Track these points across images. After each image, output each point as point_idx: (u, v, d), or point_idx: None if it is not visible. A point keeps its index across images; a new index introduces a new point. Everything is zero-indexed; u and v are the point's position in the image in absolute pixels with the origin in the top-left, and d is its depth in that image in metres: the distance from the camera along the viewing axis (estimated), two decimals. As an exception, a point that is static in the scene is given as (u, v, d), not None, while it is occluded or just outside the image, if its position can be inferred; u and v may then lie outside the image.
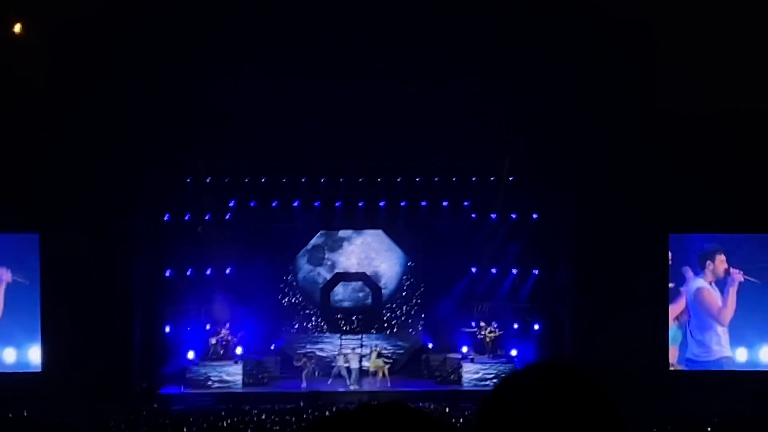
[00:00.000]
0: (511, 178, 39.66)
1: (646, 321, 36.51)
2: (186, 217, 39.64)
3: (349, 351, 40.36)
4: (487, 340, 39.30)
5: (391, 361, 40.76)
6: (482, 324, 39.59)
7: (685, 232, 37.54)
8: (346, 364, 39.67)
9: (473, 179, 40.00)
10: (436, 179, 39.97)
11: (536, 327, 38.94)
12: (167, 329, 38.60)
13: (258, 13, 34.98)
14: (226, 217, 40.32)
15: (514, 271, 40.27)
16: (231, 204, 40.25)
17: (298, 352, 40.74)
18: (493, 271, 40.63)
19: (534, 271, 40.08)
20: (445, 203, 40.55)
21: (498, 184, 39.88)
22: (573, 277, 37.54)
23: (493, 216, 40.35)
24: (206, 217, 39.95)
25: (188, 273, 39.66)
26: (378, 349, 40.36)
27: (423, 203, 40.66)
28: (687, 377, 36.92)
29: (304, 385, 38.28)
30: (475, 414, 2.63)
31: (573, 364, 2.79)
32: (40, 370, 36.87)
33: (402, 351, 42.02)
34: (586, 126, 36.04)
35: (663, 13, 35.33)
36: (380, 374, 38.68)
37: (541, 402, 2.65)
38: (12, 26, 35.50)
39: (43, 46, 35.95)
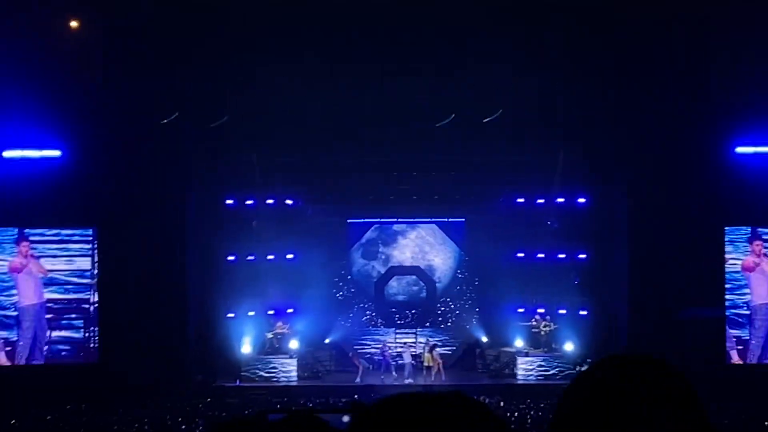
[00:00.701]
0: (564, 170, 39.33)
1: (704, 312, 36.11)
2: (241, 211, 39.79)
3: (402, 345, 40.42)
4: (542, 333, 39.16)
5: (446, 356, 40.67)
6: (537, 318, 39.46)
7: (740, 225, 37.15)
8: (400, 359, 39.74)
9: (528, 171, 39.72)
10: (491, 172, 39.75)
11: (591, 320, 38.54)
12: (225, 320, 38.68)
13: (313, 5, 34.97)
14: (282, 207, 40.33)
15: (568, 263, 39.93)
16: (286, 196, 40.32)
17: (353, 352, 40.77)
18: (548, 260, 40.24)
19: (583, 256, 39.79)
20: (500, 197, 40.39)
21: (552, 176, 39.62)
22: (627, 265, 37.23)
23: (546, 204, 40.01)
24: (263, 203, 39.90)
25: (243, 266, 39.80)
26: (432, 343, 40.36)
27: (478, 197, 40.51)
28: (745, 370, 36.53)
29: (358, 380, 38.37)
30: (556, 406, 2.57)
31: (653, 355, 2.78)
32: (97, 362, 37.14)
33: (456, 345, 41.96)
34: (643, 116, 35.75)
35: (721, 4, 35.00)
36: (435, 368, 38.63)
37: (624, 394, 2.63)
38: (69, 21, 35.73)
39: (98, 40, 36.13)
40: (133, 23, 35.29)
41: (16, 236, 37.12)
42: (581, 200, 39.64)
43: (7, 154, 36.14)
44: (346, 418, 3.38)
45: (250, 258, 39.88)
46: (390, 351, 40.40)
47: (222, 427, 2.71)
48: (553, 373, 38.11)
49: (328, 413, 3.36)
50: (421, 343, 41.00)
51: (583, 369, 2.82)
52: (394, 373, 39.01)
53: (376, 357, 41.06)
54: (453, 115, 36.21)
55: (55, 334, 37.39)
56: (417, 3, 34.44)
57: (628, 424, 2.60)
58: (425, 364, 39.26)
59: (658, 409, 2.60)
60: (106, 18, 35.73)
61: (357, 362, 39.53)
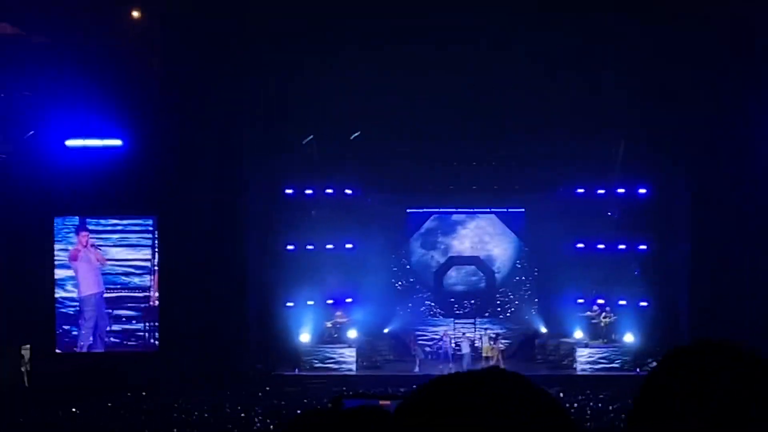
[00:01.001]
0: (625, 160, 39.04)
1: (762, 300, 35.73)
2: (299, 200, 39.91)
3: (461, 335, 40.41)
4: (602, 324, 38.92)
5: (504, 346, 40.57)
6: (596, 308, 39.23)
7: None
8: (459, 349, 39.75)
9: (589, 161, 39.46)
10: (551, 162, 39.52)
11: (652, 310, 38.24)
12: (284, 309, 38.81)
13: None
14: (342, 196, 40.37)
15: (626, 248, 39.60)
16: (345, 186, 40.35)
17: (412, 340, 40.77)
18: (608, 251, 39.95)
19: (643, 247, 39.52)
20: (560, 187, 40.19)
21: (613, 166, 39.35)
22: (689, 256, 36.92)
23: (606, 195, 39.74)
24: (323, 193, 39.95)
25: (301, 255, 39.92)
26: (490, 333, 40.34)
27: (538, 187, 40.35)
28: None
29: (417, 369, 38.38)
30: (639, 392, 2.47)
31: (734, 343, 2.72)
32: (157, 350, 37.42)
33: (515, 335, 41.84)
34: (705, 103, 35.44)
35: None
36: (495, 359, 38.53)
37: (707, 381, 2.56)
38: (131, 11, 35.96)
39: (159, 29, 36.33)
40: (193, 13, 35.46)
41: (77, 225, 37.47)
42: (642, 190, 39.33)
43: (69, 143, 36.45)
44: None
45: (309, 247, 39.97)
46: (449, 341, 40.39)
47: (300, 418, 2.72)
48: (613, 365, 37.91)
49: (391, 399, 3.39)
50: (480, 333, 40.94)
51: (669, 354, 2.69)
52: (451, 363, 38.98)
53: (434, 347, 41.05)
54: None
55: (116, 323, 37.71)
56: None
57: (728, 415, 2.55)
58: (484, 354, 39.22)
59: (757, 399, 2.53)
60: (167, 7, 35.93)
61: (415, 351, 39.50)
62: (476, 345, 40.12)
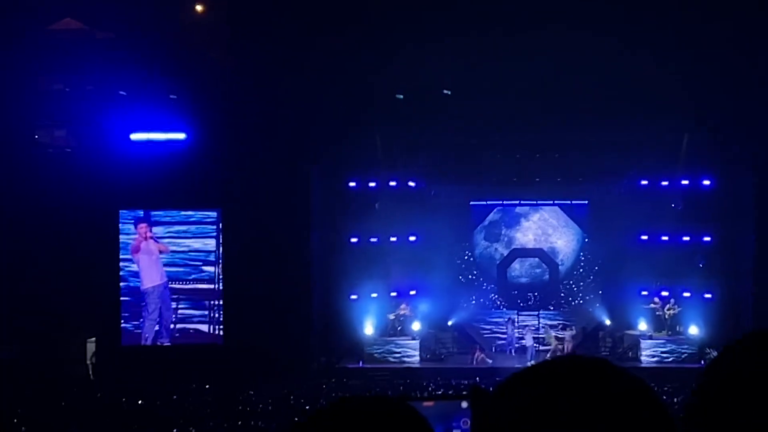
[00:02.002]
0: (690, 150, 38.76)
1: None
2: (364, 192, 39.95)
3: (525, 328, 40.35)
4: (666, 316, 38.67)
5: (566, 337, 40.39)
6: (659, 300, 38.96)
7: None
8: (523, 341, 39.72)
9: (653, 153, 39.23)
10: (615, 154, 39.34)
11: (717, 303, 37.92)
12: (348, 301, 38.88)
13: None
14: (405, 188, 40.36)
15: (693, 245, 39.34)
16: (408, 178, 40.34)
17: (477, 336, 40.70)
18: (672, 243, 39.68)
19: (708, 239, 39.21)
20: (624, 179, 39.99)
21: (677, 158, 39.08)
22: (754, 248, 36.59)
23: (670, 186, 39.48)
24: (386, 185, 39.95)
25: (366, 248, 39.98)
26: (557, 325, 40.26)
27: (602, 178, 40.17)
28: None
29: (490, 361, 38.35)
30: (697, 383, 2.43)
31: None
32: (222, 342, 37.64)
33: (579, 327, 41.63)
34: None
35: None
36: (564, 351, 38.42)
37: (761, 373, 2.50)
38: (194, 5, 36.17)
39: (223, 22, 36.54)
40: (258, 5, 35.64)
41: (140, 217, 37.76)
42: (706, 182, 39.04)
43: (134, 136, 36.75)
44: (464, 404, 3.32)
45: (372, 240, 39.99)
46: (512, 329, 40.41)
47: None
48: (678, 357, 37.65)
49: (446, 400, 3.33)
50: (545, 325, 40.85)
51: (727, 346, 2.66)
52: (513, 354, 39.01)
53: (499, 341, 40.99)
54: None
55: (181, 314, 37.99)
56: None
57: None
58: (552, 346, 39.14)
59: None
60: (231, 0, 36.13)
61: (479, 358, 39.27)
62: (541, 337, 39.96)
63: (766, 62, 34.56)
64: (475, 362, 38.54)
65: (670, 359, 37.67)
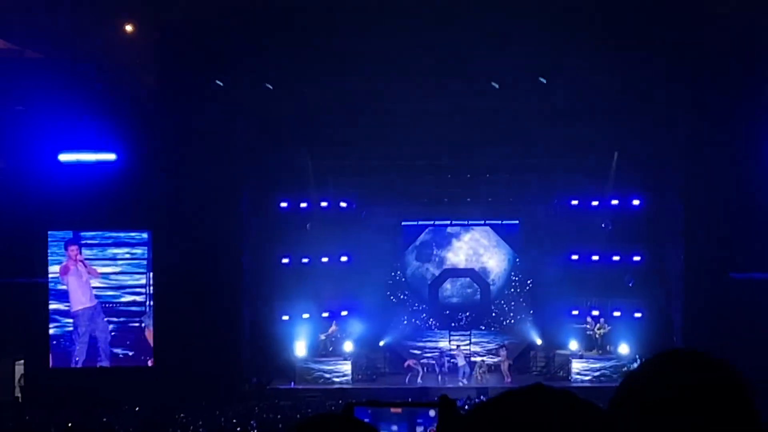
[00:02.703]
0: (619, 171, 39.20)
1: (759, 313, 35.74)
2: (295, 213, 39.97)
3: (456, 348, 40.47)
4: (597, 335, 38.99)
5: (500, 357, 40.56)
6: (590, 319, 39.30)
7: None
8: (455, 361, 39.83)
9: (582, 173, 39.64)
10: (545, 174, 39.74)
11: (646, 322, 38.22)
12: (280, 322, 38.77)
13: (372, 11, 35.07)
14: (334, 213, 40.45)
15: (622, 265, 39.70)
16: (340, 199, 40.41)
17: (408, 355, 40.69)
18: (602, 262, 40.04)
19: (638, 258, 39.58)
20: (554, 199, 40.32)
21: (607, 178, 39.49)
22: (683, 267, 36.97)
23: (600, 206, 39.86)
24: (318, 205, 39.97)
25: (297, 269, 39.97)
26: (491, 346, 40.41)
27: (532, 199, 40.49)
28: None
29: (420, 380, 38.37)
30: (611, 402, 2.58)
31: (709, 354, 2.78)
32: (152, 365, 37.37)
33: (511, 347, 41.81)
34: (698, 116, 35.56)
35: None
36: (490, 371, 38.63)
37: (680, 390, 2.62)
38: (123, 26, 35.99)
39: (152, 42, 36.41)
40: (187, 28, 35.58)
41: (69, 239, 37.44)
42: (636, 202, 39.44)
43: (63, 157, 36.46)
44: (432, 413, 3.36)
45: (304, 260, 40.00)
46: (444, 353, 40.49)
47: (309, 422, 2.71)
48: (608, 376, 37.92)
49: (417, 406, 3.37)
50: (479, 345, 40.98)
51: (639, 364, 2.83)
52: (440, 376, 39.13)
53: (431, 360, 41.06)
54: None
55: (112, 337, 37.67)
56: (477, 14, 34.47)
57: (679, 418, 2.60)
58: (482, 368, 39.26)
59: (707, 405, 2.59)
60: (161, 22, 36.01)
61: (413, 365, 39.38)
62: (472, 359, 40.06)
63: (691, 81, 35.03)
64: (408, 377, 38.65)
65: (601, 378, 37.92)
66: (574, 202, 40.11)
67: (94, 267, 37.60)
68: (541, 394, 2.50)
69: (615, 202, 39.59)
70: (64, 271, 37.41)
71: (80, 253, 37.45)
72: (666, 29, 34.32)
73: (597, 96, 35.75)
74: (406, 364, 39.40)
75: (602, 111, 36.19)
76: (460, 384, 38.07)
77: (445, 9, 34.23)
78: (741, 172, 35.39)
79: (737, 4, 34.56)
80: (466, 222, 42.74)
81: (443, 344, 41.37)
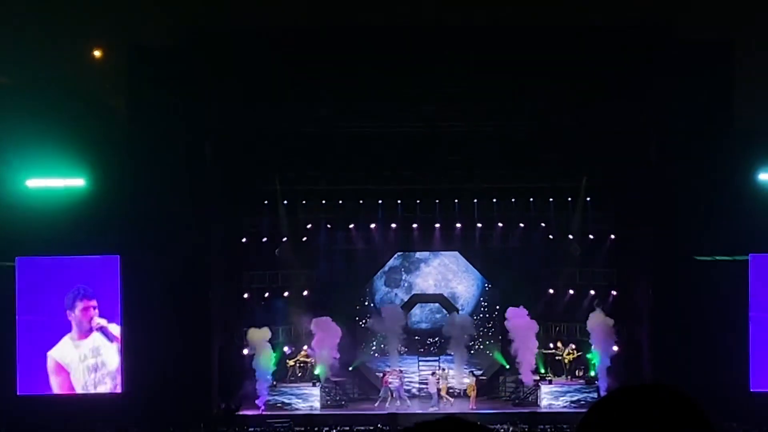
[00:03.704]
0: (588, 198, 39.46)
1: (726, 342, 35.88)
2: (264, 239, 40.03)
3: (432, 374, 40.40)
4: (566, 361, 39.07)
5: (470, 384, 40.57)
6: (560, 345, 39.37)
7: (767, 251, 36.95)
8: (425, 387, 39.81)
9: (550, 200, 39.83)
10: (512, 201, 39.90)
11: (615, 348, 38.31)
12: (245, 351, 38.72)
13: (333, 38, 35.24)
14: (303, 239, 40.54)
15: (592, 291, 39.89)
16: (308, 226, 40.46)
17: (383, 371, 40.63)
18: (570, 291, 40.29)
19: (612, 291, 39.75)
20: (521, 224, 40.43)
21: (575, 204, 39.70)
22: (651, 297, 37.07)
23: (570, 236, 40.15)
24: (284, 239, 40.20)
25: (266, 295, 39.96)
26: (447, 372, 40.33)
27: (499, 225, 40.58)
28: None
29: (391, 405, 38.39)
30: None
31: (671, 385, 2.80)
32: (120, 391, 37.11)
33: (479, 372, 41.83)
34: (666, 143, 35.83)
35: (743, 32, 35.14)
36: (447, 398, 38.62)
37: (642, 422, 2.65)
38: (92, 50, 35.97)
39: (122, 70, 36.42)
40: (157, 53, 35.64)
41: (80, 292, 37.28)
42: (605, 228, 39.61)
43: (31, 183, 36.30)
44: None
45: (273, 285, 39.99)
46: (413, 379, 40.47)
47: None
48: (577, 400, 37.96)
49: None
50: (447, 371, 40.86)
51: (600, 398, 2.84)
52: (408, 402, 39.04)
53: (398, 385, 41.00)
54: None
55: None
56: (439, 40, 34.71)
57: None
58: (468, 393, 39.15)
59: None
60: (130, 47, 36.03)
61: (389, 381, 39.27)
62: (439, 385, 39.98)
63: (667, 108, 35.35)
64: (378, 402, 38.65)
65: (569, 403, 37.96)
66: (543, 225, 40.35)
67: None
68: (452, 425, 2.53)
69: (584, 228, 39.82)
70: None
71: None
72: (635, 54, 34.68)
73: (564, 126, 36.05)
74: (383, 379, 39.40)
75: (572, 138, 36.45)
76: (430, 410, 37.96)
77: (411, 39, 34.52)
78: (706, 198, 35.45)
79: (710, 29, 34.98)
80: (435, 248, 42.60)
81: (414, 370, 41.35)
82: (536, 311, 39.86)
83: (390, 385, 39.08)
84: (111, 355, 37.00)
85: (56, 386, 36.70)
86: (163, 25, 36.16)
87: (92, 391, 36.83)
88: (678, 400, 2.73)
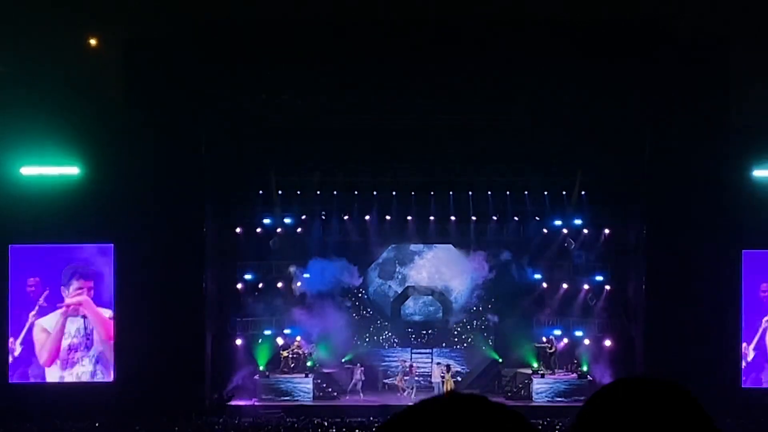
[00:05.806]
0: (583, 192, 39.47)
1: (719, 337, 35.98)
2: (258, 230, 40.04)
3: (437, 365, 40.43)
4: (558, 354, 39.12)
5: (462, 375, 40.61)
6: (553, 339, 39.40)
7: (760, 248, 37.00)
8: (417, 378, 39.82)
9: (545, 193, 39.86)
10: (509, 194, 39.92)
11: (608, 343, 38.39)
12: (239, 341, 38.76)
13: (327, 32, 35.20)
14: (298, 230, 40.56)
15: (586, 286, 39.92)
16: (303, 218, 40.45)
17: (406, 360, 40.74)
18: (564, 285, 40.33)
19: (600, 278, 39.76)
20: (515, 218, 40.47)
21: (569, 197, 39.72)
22: (644, 293, 37.11)
23: (564, 230, 40.20)
24: (278, 230, 40.22)
25: (260, 286, 39.94)
26: (446, 364, 40.33)
27: (494, 218, 40.59)
28: (760, 396, 36.34)
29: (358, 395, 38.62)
30: (571, 426, 2.60)
31: (669, 380, 2.79)
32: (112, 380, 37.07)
33: (472, 366, 41.87)
34: (661, 140, 35.83)
35: (739, 31, 35.15)
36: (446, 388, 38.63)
37: (640, 416, 2.64)
38: (87, 39, 35.92)
39: (118, 60, 36.34)
40: (153, 40, 35.60)
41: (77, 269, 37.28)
42: (599, 222, 39.64)
43: (25, 170, 36.25)
44: None
45: (268, 277, 39.99)
46: (408, 370, 40.47)
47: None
48: (569, 394, 38.00)
49: None
50: (438, 364, 40.86)
51: (597, 390, 2.83)
52: (412, 391, 39.08)
53: (392, 377, 41.07)
54: None
55: (72, 353, 37.38)
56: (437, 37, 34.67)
57: None
58: (446, 388, 39.17)
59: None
60: (126, 34, 35.98)
61: (400, 381, 39.40)
62: (429, 374, 40.03)
63: (662, 103, 35.36)
64: (353, 380, 38.81)
65: (562, 397, 38.00)
66: (537, 219, 40.42)
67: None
68: (456, 400, 2.56)
69: (578, 221, 39.89)
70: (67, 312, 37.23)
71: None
72: (624, 52, 34.67)
73: (560, 119, 36.03)
74: (397, 381, 39.63)
75: (566, 130, 36.43)
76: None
77: (408, 31, 34.47)
78: (700, 193, 35.50)
79: (705, 26, 34.97)
80: (429, 240, 42.61)
81: (405, 362, 41.36)
82: (529, 305, 39.97)
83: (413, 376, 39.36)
84: (94, 339, 36.93)
85: (38, 348, 36.65)
86: (160, 16, 36.09)
87: (69, 369, 36.79)
88: (679, 395, 2.73)
